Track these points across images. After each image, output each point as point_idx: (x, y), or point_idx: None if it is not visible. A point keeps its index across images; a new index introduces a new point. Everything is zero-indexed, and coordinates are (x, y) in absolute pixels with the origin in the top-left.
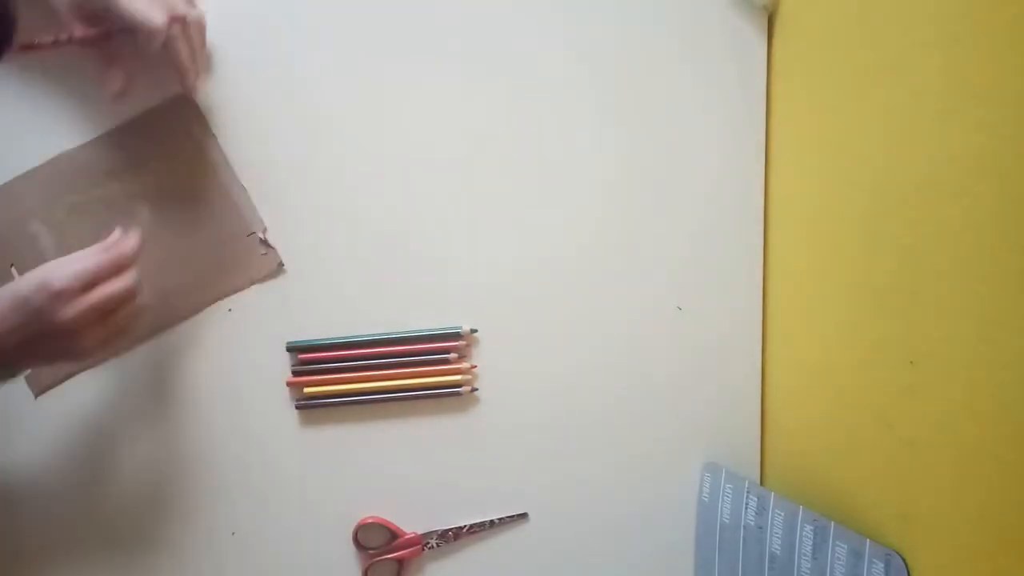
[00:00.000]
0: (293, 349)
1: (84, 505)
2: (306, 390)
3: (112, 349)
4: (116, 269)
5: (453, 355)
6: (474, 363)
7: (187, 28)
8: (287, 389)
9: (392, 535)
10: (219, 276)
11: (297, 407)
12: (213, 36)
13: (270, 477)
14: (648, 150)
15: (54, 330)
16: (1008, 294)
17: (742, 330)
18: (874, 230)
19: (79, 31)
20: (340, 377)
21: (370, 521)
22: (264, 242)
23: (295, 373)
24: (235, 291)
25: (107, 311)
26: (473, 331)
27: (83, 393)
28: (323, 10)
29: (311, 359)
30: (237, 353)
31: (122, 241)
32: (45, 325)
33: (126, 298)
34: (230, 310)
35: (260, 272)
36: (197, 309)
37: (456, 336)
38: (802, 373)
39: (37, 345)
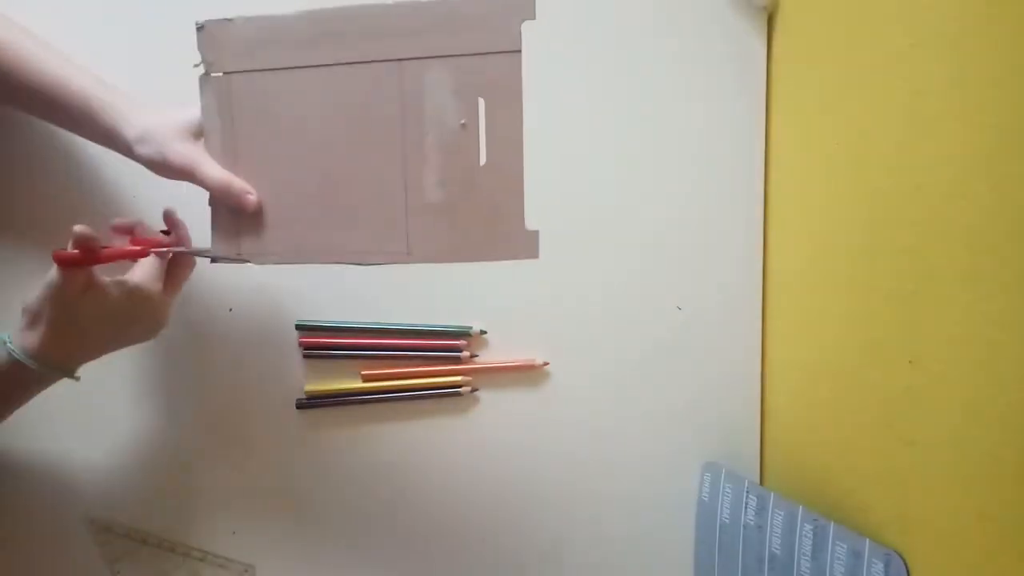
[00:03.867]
0: (302, 328)
1: (82, 504)
2: (307, 388)
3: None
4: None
5: (466, 354)
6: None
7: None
8: (288, 389)
9: None
10: (481, 240)
11: (298, 406)
12: None
13: (271, 476)
14: (648, 150)
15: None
16: (1008, 294)
17: (742, 330)
18: (874, 230)
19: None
20: (343, 364)
21: None
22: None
23: (304, 352)
24: (489, 259)
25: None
26: (483, 332)
27: (84, 393)
28: None
29: (316, 343)
30: (238, 353)
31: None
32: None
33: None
34: (231, 310)
35: (522, 250)
36: (447, 259)
37: (464, 335)
38: (802, 373)
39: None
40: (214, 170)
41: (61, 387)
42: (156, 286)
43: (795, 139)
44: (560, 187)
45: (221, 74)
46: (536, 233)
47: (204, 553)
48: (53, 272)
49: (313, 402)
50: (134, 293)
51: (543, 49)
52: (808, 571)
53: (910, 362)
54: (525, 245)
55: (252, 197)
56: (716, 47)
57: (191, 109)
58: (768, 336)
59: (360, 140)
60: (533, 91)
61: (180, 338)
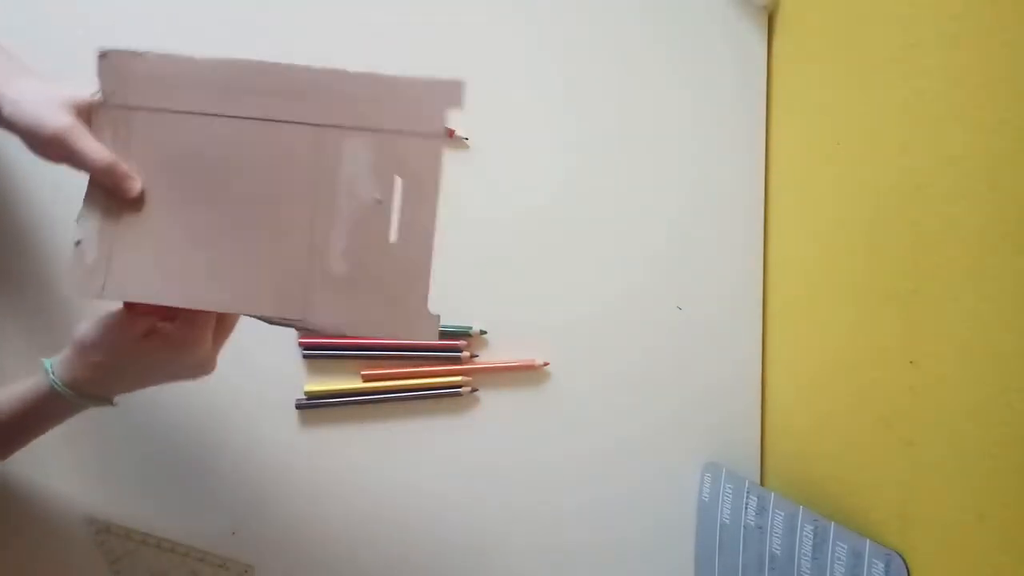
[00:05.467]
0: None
1: (83, 504)
2: (306, 388)
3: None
4: None
5: (466, 354)
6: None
7: None
8: (288, 389)
9: None
10: (380, 317)
11: (297, 407)
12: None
13: (271, 476)
14: (648, 149)
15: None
16: (1008, 294)
17: (742, 330)
18: (874, 230)
19: None
20: (343, 364)
21: None
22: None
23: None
24: (385, 336)
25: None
26: (483, 332)
27: None
28: None
29: (316, 343)
30: (238, 353)
31: None
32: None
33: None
34: None
35: (420, 332)
36: (341, 332)
37: (464, 335)
38: (802, 373)
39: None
40: (96, 146)
41: None
42: (207, 337)
43: (795, 139)
44: (560, 187)
45: (121, 107)
46: (437, 317)
47: (204, 553)
48: (121, 313)
49: (313, 402)
50: (186, 343)
51: (545, 50)
52: (808, 571)
53: (911, 362)
54: (424, 328)
55: (136, 183)
56: (716, 47)
57: (81, 88)
58: (768, 336)
59: (267, 198)
60: (535, 91)
61: None
